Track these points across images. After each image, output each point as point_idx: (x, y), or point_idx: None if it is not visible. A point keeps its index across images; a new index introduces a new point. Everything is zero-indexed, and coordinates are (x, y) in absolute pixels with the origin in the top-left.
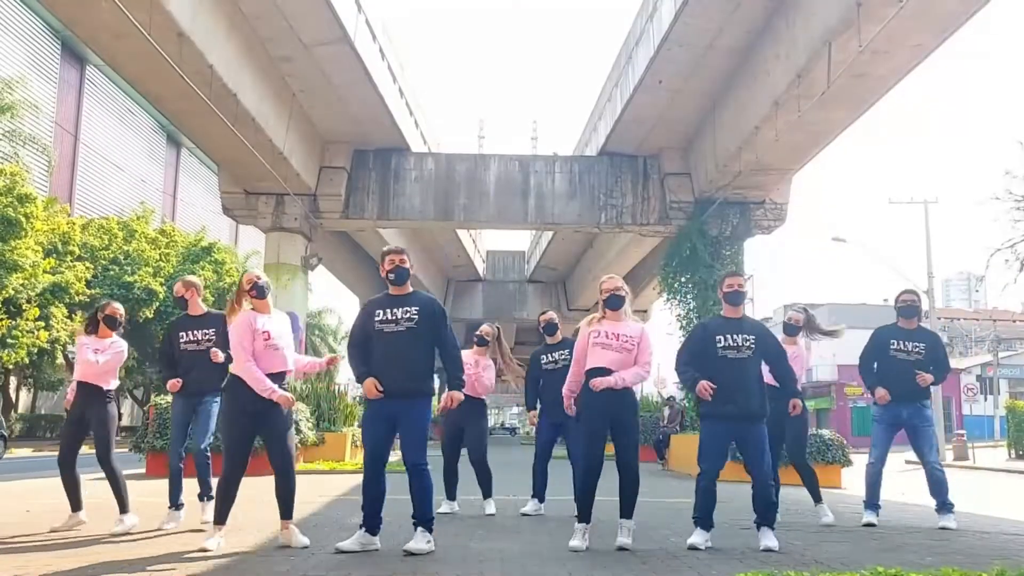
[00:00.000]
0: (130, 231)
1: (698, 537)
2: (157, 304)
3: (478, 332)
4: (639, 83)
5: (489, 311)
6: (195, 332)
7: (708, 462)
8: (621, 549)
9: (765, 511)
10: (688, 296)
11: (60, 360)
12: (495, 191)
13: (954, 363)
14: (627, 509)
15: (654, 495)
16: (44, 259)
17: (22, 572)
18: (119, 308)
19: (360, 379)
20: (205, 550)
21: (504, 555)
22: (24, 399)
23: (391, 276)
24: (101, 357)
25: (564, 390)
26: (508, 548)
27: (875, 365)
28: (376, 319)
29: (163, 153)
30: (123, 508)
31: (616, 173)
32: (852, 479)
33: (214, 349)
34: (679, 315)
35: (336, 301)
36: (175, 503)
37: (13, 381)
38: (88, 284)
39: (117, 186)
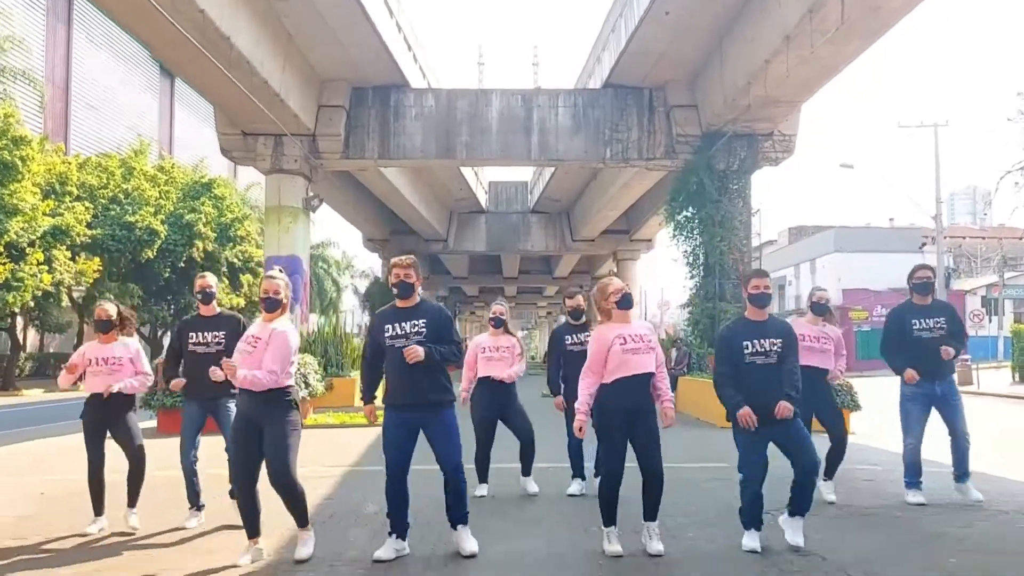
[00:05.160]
0: (128, 168)
1: (753, 540)
2: (159, 243)
3: (492, 313)
4: (645, 14)
5: (492, 243)
6: (205, 334)
7: (750, 471)
8: (655, 556)
9: (802, 500)
10: (695, 232)
11: (65, 303)
12: (497, 128)
13: (959, 285)
14: (651, 511)
15: (666, 453)
16: (43, 201)
17: None
18: (107, 308)
19: (365, 400)
20: (237, 566)
21: (525, 563)
22: (32, 339)
23: (395, 290)
24: (104, 368)
25: (580, 407)
26: (529, 552)
27: (897, 344)
28: (386, 335)
29: (157, 83)
30: (132, 503)
31: (621, 106)
32: (860, 424)
33: (213, 368)
34: (685, 251)
35: (339, 233)
36: (195, 504)
37: (20, 322)
38: (89, 225)
39: (112, 119)
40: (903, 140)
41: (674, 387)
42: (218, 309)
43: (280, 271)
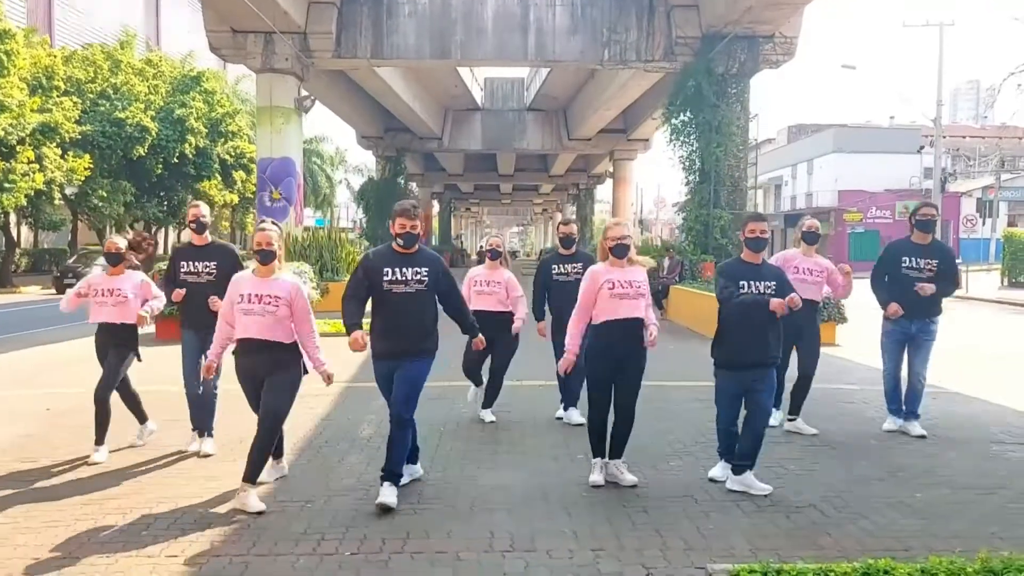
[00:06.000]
0: (115, 62)
1: (719, 471)
2: (151, 140)
3: (489, 245)
4: None
5: (488, 141)
6: (196, 263)
7: (725, 410)
8: (633, 487)
9: (754, 449)
10: (691, 137)
11: (58, 200)
12: (493, 27)
13: (955, 187)
14: (618, 450)
15: (649, 368)
16: (30, 97)
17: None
18: (116, 242)
19: (349, 331)
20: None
21: (510, 496)
22: (26, 235)
23: (400, 240)
24: (110, 300)
25: (570, 344)
26: (513, 484)
27: (886, 279)
28: (385, 278)
29: None
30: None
31: (620, 5)
32: (847, 336)
33: (213, 297)
34: (681, 156)
35: (331, 128)
36: (197, 428)
37: (14, 218)
38: (78, 122)
39: (96, 12)
40: (908, 38)
41: (665, 296)
42: (210, 238)
43: (272, 222)
